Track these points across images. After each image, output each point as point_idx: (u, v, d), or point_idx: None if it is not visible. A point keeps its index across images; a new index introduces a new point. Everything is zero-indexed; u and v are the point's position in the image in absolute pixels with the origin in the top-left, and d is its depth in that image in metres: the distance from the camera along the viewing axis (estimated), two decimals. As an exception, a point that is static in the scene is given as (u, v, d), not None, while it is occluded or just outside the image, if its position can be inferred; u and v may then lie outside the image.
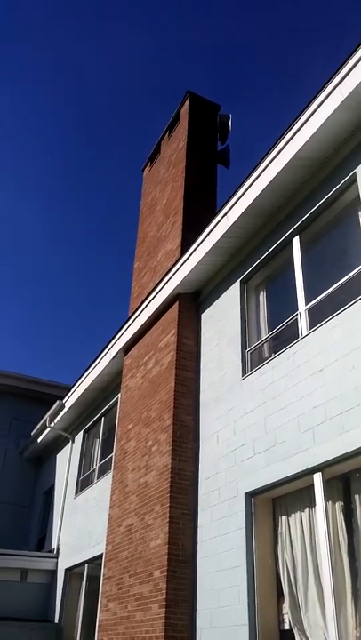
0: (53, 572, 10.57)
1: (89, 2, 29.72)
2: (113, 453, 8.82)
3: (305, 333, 5.56)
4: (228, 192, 6.97)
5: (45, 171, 36.97)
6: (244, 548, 5.27)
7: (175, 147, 10.46)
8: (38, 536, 12.66)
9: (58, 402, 11.57)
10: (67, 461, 11.58)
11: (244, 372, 6.32)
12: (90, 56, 32.07)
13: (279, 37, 31.29)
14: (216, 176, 10.07)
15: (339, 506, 4.72)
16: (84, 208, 38.83)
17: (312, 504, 4.91)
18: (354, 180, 5.54)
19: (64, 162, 37.17)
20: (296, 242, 6.24)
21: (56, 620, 9.70)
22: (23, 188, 36.44)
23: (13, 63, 32.41)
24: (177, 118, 10.86)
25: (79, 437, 11.45)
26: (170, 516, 6.19)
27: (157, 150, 11.61)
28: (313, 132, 5.60)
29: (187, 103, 10.59)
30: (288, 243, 6.37)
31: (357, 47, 5.15)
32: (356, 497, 4.61)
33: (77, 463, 11.09)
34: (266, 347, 6.39)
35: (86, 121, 36.08)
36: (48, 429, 12.21)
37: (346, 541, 4.56)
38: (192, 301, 7.91)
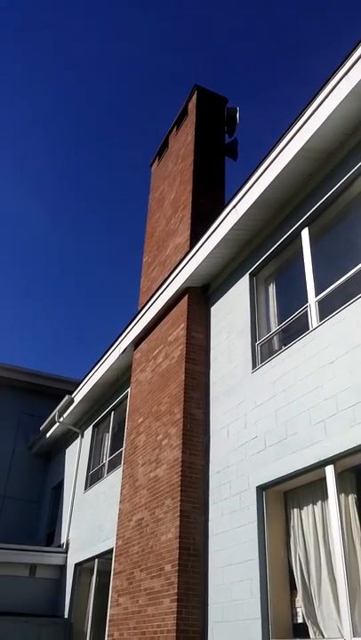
0: (63, 568, 10.59)
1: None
2: (123, 447, 8.82)
3: (315, 325, 5.51)
4: (236, 185, 6.93)
5: (55, 172, 37.09)
6: (256, 541, 5.24)
7: (183, 141, 10.41)
8: (47, 531, 12.70)
9: (67, 396, 11.59)
10: (76, 456, 11.59)
11: (254, 365, 6.28)
12: (93, 54, 32.03)
13: (284, 32, 31.10)
14: (224, 169, 10.01)
15: (352, 498, 4.68)
16: (93, 207, 38.93)
17: (324, 497, 4.87)
18: (364, 170, 5.48)
19: (74, 163, 37.19)
20: (305, 234, 6.19)
21: (66, 616, 9.72)
22: (32, 190, 36.59)
23: (16, 63, 32.42)
24: (185, 112, 10.81)
25: (88, 432, 11.46)
26: (181, 510, 6.16)
27: (165, 145, 11.58)
28: (321, 123, 5.56)
29: (194, 97, 10.53)
30: (297, 234, 6.32)
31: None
32: (370, 489, 4.57)
33: (87, 458, 11.10)
34: (276, 339, 6.35)
35: (89, 121, 36.07)
36: (57, 424, 12.23)
37: (359, 533, 4.51)
38: (201, 295, 7.87)
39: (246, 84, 33.04)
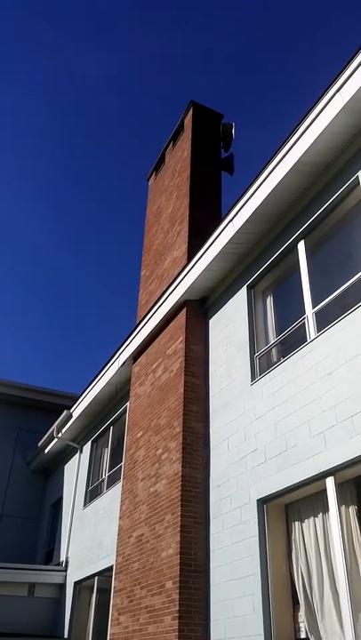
0: (62, 586, 10.44)
1: (92, 12, 30.09)
2: (122, 462, 8.75)
3: (313, 337, 5.52)
4: (233, 199, 7.00)
5: (55, 182, 37.32)
6: (258, 555, 5.19)
7: (179, 156, 10.52)
8: (46, 549, 12.53)
9: (65, 411, 11.52)
10: (75, 472, 11.49)
11: (253, 378, 6.28)
12: (93, 67, 32.44)
13: (280, 47, 31.62)
14: (221, 183, 10.11)
15: (352, 510, 4.65)
16: (92, 219, 39.14)
17: (325, 509, 4.84)
18: (357, 183, 5.55)
19: (74, 166, 37.40)
20: (301, 246, 6.23)
21: (65, 636, 9.55)
22: (34, 200, 36.81)
23: (20, 73, 32.80)
24: (181, 128, 10.94)
25: (87, 447, 11.38)
26: (181, 525, 6.11)
27: (162, 160, 11.70)
28: (315, 138, 5.63)
29: (190, 113, 10.68)
30: (293, 247, 6.37)
31: (359, 50, 5.18)
32: (371, 501, 4.54)
33: (86, 473, 11.01)
34: (274, 351, 6.35)
35: (89, 132, 36.43)
36: (55, 440, 12.15)
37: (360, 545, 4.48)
38: (199, 308, 7.89)
39: (242, 100, 33.49)
